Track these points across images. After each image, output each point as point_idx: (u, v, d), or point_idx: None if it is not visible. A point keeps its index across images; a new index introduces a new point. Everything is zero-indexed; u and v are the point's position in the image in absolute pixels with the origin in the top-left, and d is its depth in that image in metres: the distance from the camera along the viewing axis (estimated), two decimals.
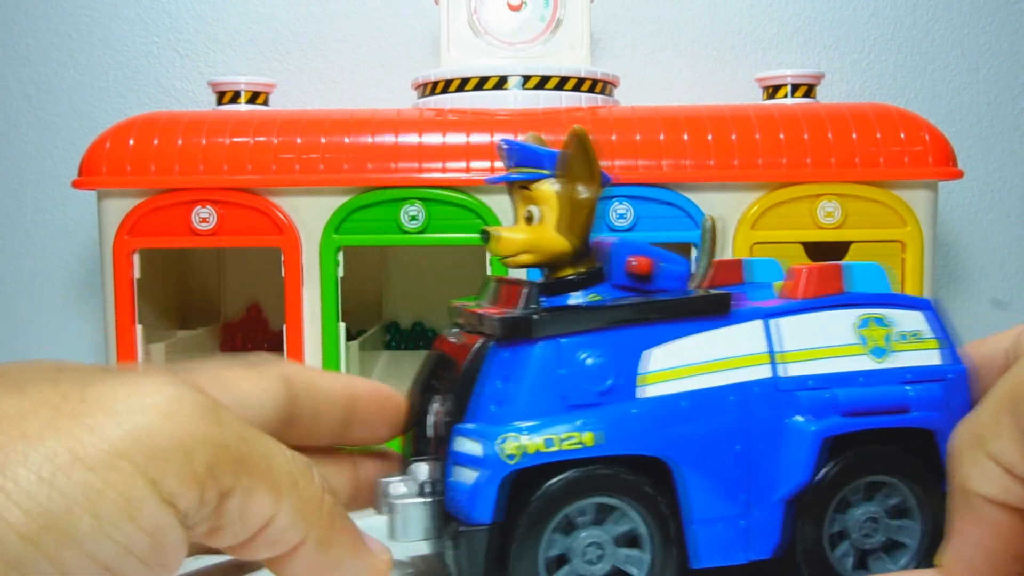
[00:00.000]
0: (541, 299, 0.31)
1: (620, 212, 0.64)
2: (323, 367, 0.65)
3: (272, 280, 0.67)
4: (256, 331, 0.83)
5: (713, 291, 0.33)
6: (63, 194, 0.87)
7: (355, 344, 0.69)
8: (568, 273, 0.32)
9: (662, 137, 0.65)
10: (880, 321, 0.34)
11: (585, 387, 0.30)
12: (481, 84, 0.69)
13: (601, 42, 0.87)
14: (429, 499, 0.30)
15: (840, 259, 0.65)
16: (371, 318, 0.82)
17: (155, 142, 0.65)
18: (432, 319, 0.84)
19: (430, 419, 0.32)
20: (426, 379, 0.34)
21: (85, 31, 0.87)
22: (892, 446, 0.33)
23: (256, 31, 0.87)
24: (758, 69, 0.82)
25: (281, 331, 0.65)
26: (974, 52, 0.88)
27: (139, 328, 0.65)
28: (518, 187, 0.32)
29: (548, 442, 0.29)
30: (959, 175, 0.66)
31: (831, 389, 0.33)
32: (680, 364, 0.31)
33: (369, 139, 0.65)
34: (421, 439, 0.33)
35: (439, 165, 0.64)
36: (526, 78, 0.69)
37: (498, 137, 0.64)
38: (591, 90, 0.70)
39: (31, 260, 0.89)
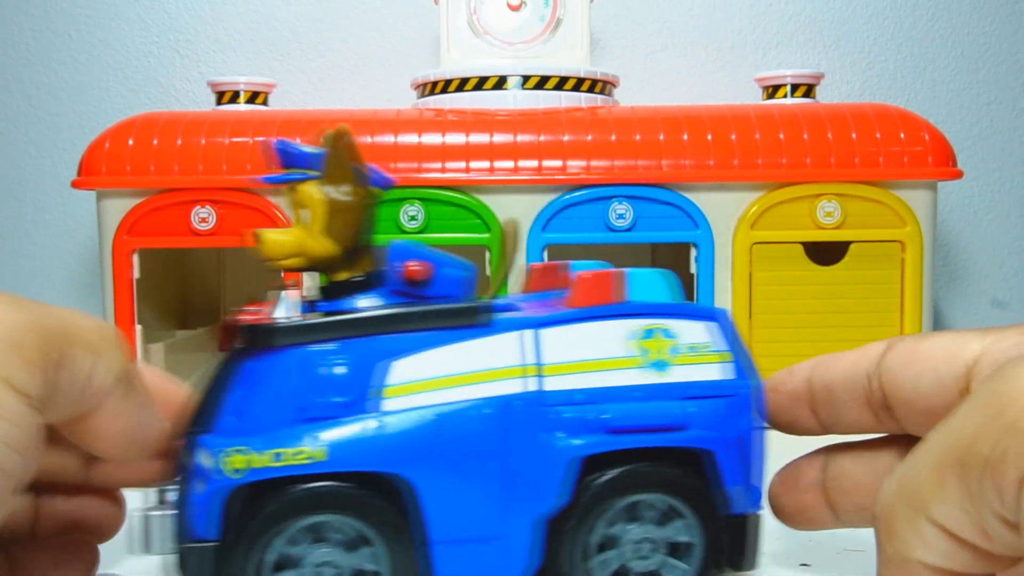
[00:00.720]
0: (316, 304, 0.31)
1: (620, 212, 0.64)
2: None
3: (272, 280, 0.67)
4: None
5: (477, 300, 0.31)
6: (63, 194, 0.87)
7: None
8: (343, 277, 0.31)
9: (662, 137, 0.65)
10: (666, 332, 0.31)
11: (324, 399, 0.29)
12: (481, 84, 0.69)
13: (601, 42, 0.87)
14: (169, 512, 0.29)
15: (840, 259, 0.65)
16: None
17: (155, 142, 0.65)
18: None
19: None
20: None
21: (85, 31, 0.87)
22: (663, 463, 0.31)
23: (256, 31, 0.87)
24: (758, 69, 0.82)
25: None
26: (974, 52, 0.88)
27: (139, 328, 0.65)
28: (290, 189, 0.31)
29: (277, 456, 0.28)
30: (959, 175, 0.66)
31: (599, 404, 0.30)
32: (428, 376, 0.29)
33: (369, 139, 0.65)
34: None
35: (438, 165, 0.64)
36: (526, 78, 0.69)
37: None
38: (591, 90, 0.70)
39: (31, 260, 0.89)
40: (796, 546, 0.40)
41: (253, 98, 0.73)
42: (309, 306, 0.31)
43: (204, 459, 0.28)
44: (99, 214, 0.65)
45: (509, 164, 0.64)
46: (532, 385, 0.30)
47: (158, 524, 0.29)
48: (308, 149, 0.31)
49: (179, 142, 0.65)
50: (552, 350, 0.30)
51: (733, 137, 0.65)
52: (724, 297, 0.64)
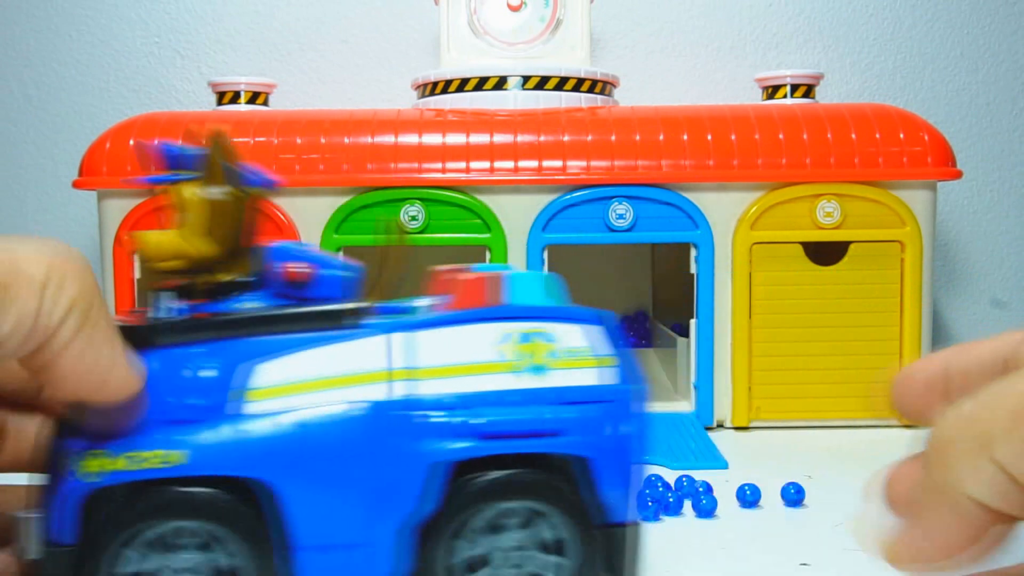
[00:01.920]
0: (198, 307, 0.30)
1: (620, 212, 0.64)
2: None
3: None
4: None
5: (349, 303, 0.30)
6: (64, 194, 0.87)
7: None
8: (225, 278, 0.30)
9: (662, 137, 0.65)
10: (544, 336, 0.31)
11: (187, 402, 0.28)
12: (481, 84, 0.69)
13: (601, 42, 0.87)
14: (37, 515, 0.28)
15: (840, 259, 0.65)
16: None
17: (156, 142, 0.65)
18: None
19: None
20: None
21: (86, 31, 0.87)
22: (537, 470, 0.30)
23: (256, 31, 0.87)
24: (758, 69, 0.82)
25: None
26: (973, 52, 0.88)
27: None
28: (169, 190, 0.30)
29: (132, 459, 0.27)
30: (958, 175, 0.66)
31: (470, 409, 0.29)
32: (293, 379, 0.29)
33: (369, 139, 0.65)
34: None
35: (439, 165, 0.64)
36: (526, 78, 0.69)
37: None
38: (591, 90, 0.70)
39: None
40: (796, 545, 0.40)
41: (254, 98, 0.73)
42: (189, 308, 0.30)
43: (65, 462, 0.27)
44: (100, 214, 0.66)
45: (509, 164, 0.64)
46: (401, 389, 0.29)
47: (29, 527, 0.28)
48: (187, 150, 0.30)
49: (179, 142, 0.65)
50: (425, 354, 0.30)
51: (733, 137, 0.65)
52: (724, 297, 0.65)
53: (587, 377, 0.31)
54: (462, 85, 0.69)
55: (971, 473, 0.23)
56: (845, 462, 0.56)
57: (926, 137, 0.65)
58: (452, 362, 0.30)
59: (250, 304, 0.30)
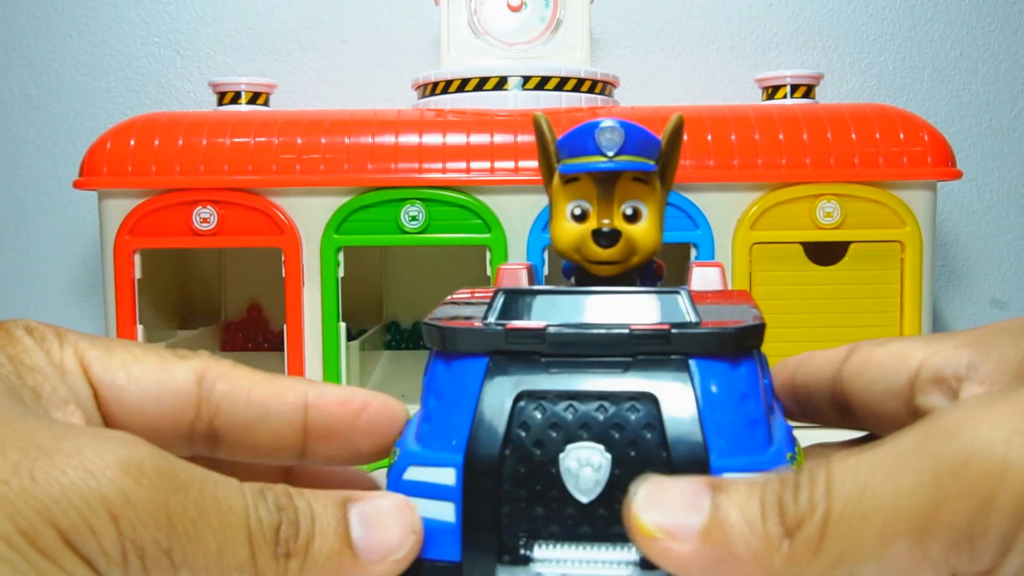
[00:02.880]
0: None
1: None
2: (323, 367, 0.65)
3: (273, 280, 0.68)
4: (257, 331, 0.83)
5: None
6: (64, 194, 0.87)
7: (355, 344, 0.70)
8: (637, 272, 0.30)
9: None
10: None
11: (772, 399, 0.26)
12: (481, 85, 0.69)
13: (601, 42, 0.87)
14: None
15: (840, 259, 0.65)
16: (371, 318, 0.82)
17: (156, 142, 0.65)
18: None
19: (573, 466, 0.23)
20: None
21: (86, 32, 0.87)
22: None
23: (257, 32, 0.87)
24: (757, 70, 0.82)
25: (282, 331, 0.65)
26: (973, 53, 0.88)
27: (140, 328, 0.66)
28: (616, 177, 0.28)
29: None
30: (958, 175, 0.66)
31: None
32: None
33: (369, 139, 0.65)
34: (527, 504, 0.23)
35: (439, 165, 0.64)
36: (526, 79, 0.69)
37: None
38: (591, 90, 0.70)
39: (32, 260, 0.89)
40: None
41: (254, 99, 0.73)
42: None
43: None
44: (100, 214, 0.66)
45: (510, 164, 0.64)
46: None
47: None
48: (656, 137, 0.29)
49: (180, 142, 0.65)
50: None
51: (733, 137, 0.65)
52: None
53: None
54: (462, 85, 0.69)
55: None
56: None
57: (926, 137, 0.65)
58: None
59: None
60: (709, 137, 0.65)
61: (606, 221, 0.27)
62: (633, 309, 0.25)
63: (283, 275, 0.65)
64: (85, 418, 0.24)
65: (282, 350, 0.65)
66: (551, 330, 0.23)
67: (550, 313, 0.25)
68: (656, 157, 0.28)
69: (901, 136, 0.65)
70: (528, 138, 0.65)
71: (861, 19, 0.88)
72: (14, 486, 0.19)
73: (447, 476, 0.23)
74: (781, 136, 0.65)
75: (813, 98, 0.72)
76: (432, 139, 0.65)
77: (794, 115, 0.66)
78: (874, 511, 0.19)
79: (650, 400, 0.22)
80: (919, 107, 0.86)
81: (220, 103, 0.73)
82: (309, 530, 0.22)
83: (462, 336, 0.24)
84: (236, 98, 0.73)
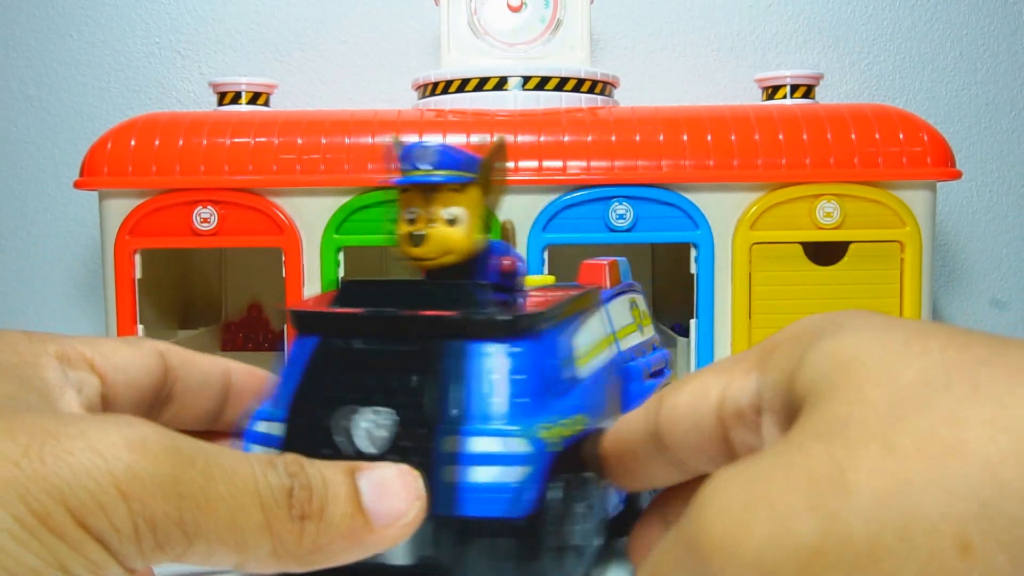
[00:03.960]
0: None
1: (620, 212, 0.64)
2: None
3: (273, 280, 0.68)
4: (257, 331, 0.83)
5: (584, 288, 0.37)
6: (64, 194, 0.88)
7: None
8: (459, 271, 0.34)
9: (662, 138, 0.65)
10: (639, 304, 0.42)
11: (563, 375, 0.32)
12: (481, 85, 0.69)
13: (601, 43, 0.87)
14: None
15: (840, 259, 0.65)
16: None
17: (156, 143, 0.65)
18: None
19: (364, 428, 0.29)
20: None
21: (86, 32, 0.87)
22: None
23: (257, 32, 0.87)
24: (757, 70, 0.83)
25: (282, 331, 0.65)
26: (972, 53, 0.88)
27: (140, 328, 0.66)
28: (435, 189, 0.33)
29: (567, 425, 0.30)
30: (958, 175, 0.66)
31: (639, 357, 0.39)
32: (584, 347, 0.35)
33: (370, 140, 0.65)
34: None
35: None
36: (526, 79, 0.69)
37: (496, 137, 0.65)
38: (591, 91, 0.70)
39: (32, 260, 0.89)
40: None
41: (255, 99, 0.73)
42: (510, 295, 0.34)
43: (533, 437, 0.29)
44: (101, 214, 0.66)
45: (510, 165, 0.64)
46: (616, 347, 0.37)
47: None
48: (470, 155, 0.33)
49: (181, 143, 0.65)
50: (616, 320, 0.38)
51: (733, 138, 0.65)
52: (724, 297, 0.65)
53: (650, 331, 0.42)
54: (462, 85, 0.69)
55: None
56: None
57: (926, 137, 0.65)
58: (623, 324, 0.39)
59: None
60: (709, 137, 0.65)
61: (418, 224, 0.33)
62: (439, 298, 0.30)
63: (283, 275, 0.65)
64: (87, 405, 0.26)
65: (283, 350, 0.65)
66: (363, 314, 0.30)
67: (377, 300, 0.31)
68: (474, 171, 0.33)
69: (901, 136, 0.65)
70: (528, 138, 0.65)
71: (861, 19, 0.88)
72: (25, 468, 0.19)
73: (278, 428, 0.29)
74: (781, 136, 0.65)
75: (813, 98, 0.72)
76: (432, 139, 0.65)
77: (794, 115, 0.66)
78: None
79: (433, 373, 0.29)
80: (919, 107, 0.86)
81: (220, 103, 0.73)
82: (322, 495, 0.23)
83: (297, 319, 0.31)
84: (236, 98, 0.73)
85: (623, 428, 0.30)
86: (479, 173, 0.33)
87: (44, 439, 0.20)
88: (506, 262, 0.33)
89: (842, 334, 0.22)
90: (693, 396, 0.26)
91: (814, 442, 0.19)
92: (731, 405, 0.25)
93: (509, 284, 0.33)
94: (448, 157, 0.33)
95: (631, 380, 0.37)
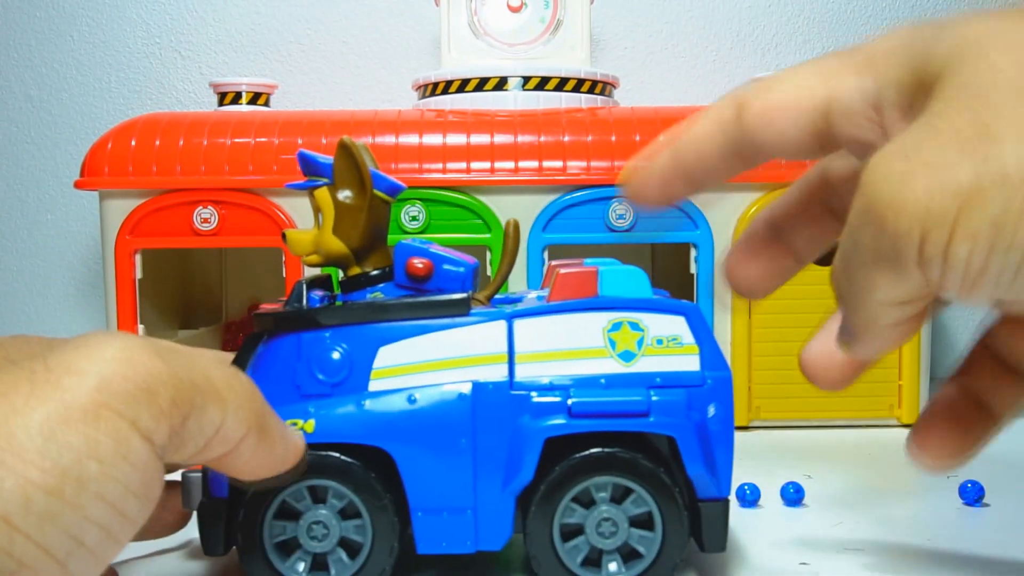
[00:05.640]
0: (336, 297, 0.36)
1: (620, 212, 0.64)
2: None
3: (273, 280, 0.68)
4: None
5: (465, 295, 0.35)
6: (65, 194, 0.88)
7: None
8: (356, 272, 0.35)
9: (662, 138, 0.65)
10: (633, 325, 0.34)
11: (318, 379, 0.33)
12: (481, 85, 0.69)
13: (601, 43, 0.87)
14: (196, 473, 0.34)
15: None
16: None
17: (157, 143, 0.65)
18: None
19: None
20: None
21: (87, 32, 0.87)
22: (625, 449, 0.34)
23: (257, 32, 0.87)
24: (757, 70, 0.83)
25: None
26: None
27: (141, 328, 0.66)
28: (309, 194, 0.35)
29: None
30: None
31: (566, 390, 0.33)
32: (413, 360, 0.34)
33: (370, 140, 0.65)
34: None
35: (439, 166, 0.65)
36: (526, 79, 0.69)
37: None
38: (591, 91, 0.70)
39: (33, 260, 0.89)
40: (795, 545, 0.40)
41: (255, 99, 0.73)
42: (329, 299, 0.36)
43: None
44: (101, 214, 0.66)
45: (510, 165, 0.65)
46: (506, 372, 0.34)
47: (192, 484, 0.34)
48: (323, 158, 0.35)
49: (181, 143, 0.65)
50: (529, 340, 0.34)
51: None
52: (724, 297, 0.65)
53: (673, 363, 0.34)
54: (462, 86, 0.70)
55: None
56: (845, 462, 0.56)
57: None
58: (550, 348, 0.34)
59: (375, 295, 0.35)
60: None
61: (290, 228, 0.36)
62: (293, 296, 0.35)
63: (283, 275, 0.65)
64: None
65: None
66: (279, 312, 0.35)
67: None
68: (326, 175, 0.34)
69: None
70: (529, 138, 0.65)
71: (861, 19, 0.88)
72: (66, 385, 0.23)
73: None
74: None
75: None
76: (432, 139, 0.65)
77: None
78: None
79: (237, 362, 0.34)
80: None
81: (221, 103, 0.73)
82: None
83: (258, 320, 0.35)
84: (237, 98, 0.73)
85: (692, 141, 0.31)
86: (331, 175, 0.34)
87: (61, 374, 0.24)
88: (417, 263, 0.34)
89: (963, 22, 0.25)
90: (795, 97, 0.28)
91: (953, 108, 0.23)
92: (843, 105, 0.27)
93: (418, 285, 0.34)
94: (305, 164, 0.34)
95: (519, 412, 0.33)
